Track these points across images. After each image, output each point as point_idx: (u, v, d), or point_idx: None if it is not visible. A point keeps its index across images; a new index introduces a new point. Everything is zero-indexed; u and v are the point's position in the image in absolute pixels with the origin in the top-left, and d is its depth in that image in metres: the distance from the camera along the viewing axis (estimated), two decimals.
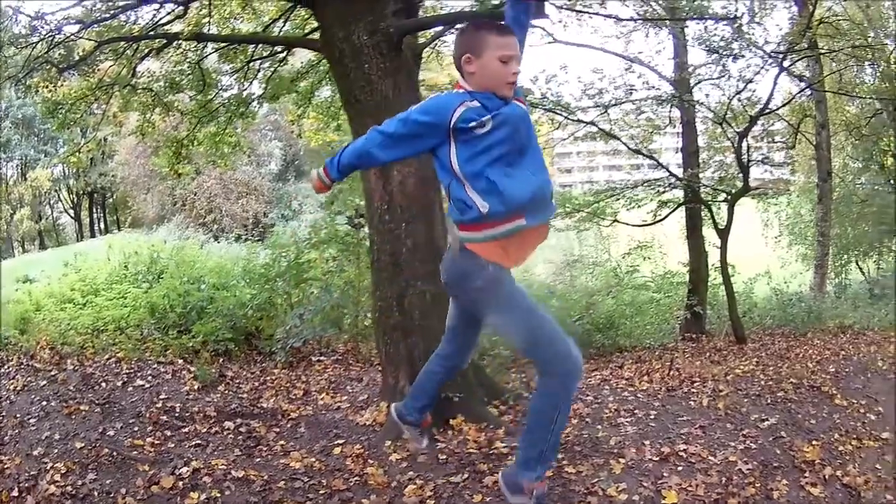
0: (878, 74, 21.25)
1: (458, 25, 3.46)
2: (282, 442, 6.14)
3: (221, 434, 6.31)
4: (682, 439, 6.19)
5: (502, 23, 3.88)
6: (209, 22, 10.18)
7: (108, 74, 9.92)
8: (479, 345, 4.45)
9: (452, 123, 3.48)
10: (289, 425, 6.63)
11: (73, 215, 50.87)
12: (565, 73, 13.23)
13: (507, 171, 3.60)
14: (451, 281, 3.82)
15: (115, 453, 5.53)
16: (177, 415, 6.71)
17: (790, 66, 12.30)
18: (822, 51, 14.78)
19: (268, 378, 8.28)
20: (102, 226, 50.79)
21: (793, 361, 9.88)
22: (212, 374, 8.07)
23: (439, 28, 8.05)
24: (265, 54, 10.37)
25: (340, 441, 6.10)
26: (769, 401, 7.61)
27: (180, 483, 5.05)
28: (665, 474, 5.35)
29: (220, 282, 10.31)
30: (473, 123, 3.48)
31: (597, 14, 10.39)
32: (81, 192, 48.47)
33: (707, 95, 13.58)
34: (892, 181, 22.63)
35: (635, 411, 6.98)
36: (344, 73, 6.36)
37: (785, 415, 7.12)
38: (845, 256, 19.51)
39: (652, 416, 6.85)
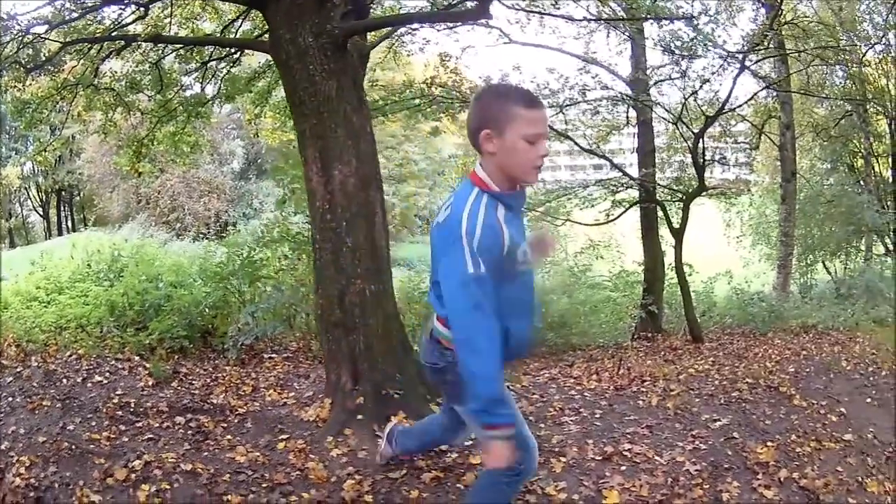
0: (847, 76, 21.54)
1: (476, 98, 3.06)
2: (229, 436, 6.16)
3: (173, 428, 6.33)
4: (627, 439, 6.17)
5: (529, 90, 3.58)
6: (170, 22, 10.31)
7: (73, 74, 9.98)
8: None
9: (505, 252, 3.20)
10: (236, 420, 6.64)
11: (41, 213, 50.74)
12: (519, 73, 13.33)
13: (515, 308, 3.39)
14: (426, 367, 3.74)
15: (73, 447, 5.56)
16: (132, 410, 6.72)
17: (751, 66, 12.36)
18: (785, 51, 14.98)
19: (219, 375, 8.28)
20: (70, 224, 50.61)
21: (750, 361, 9.87)
22: (166, 370, 8.10)
23: (388, 28, 8.15)
24: (221, 55, 10.43)
25: (284, 436, 6.10)
26: (722, 401, 7.57)
27: (133, 475, 5.09)
28: (607, 474, 5.37)
29: (178, 280, 10.35)
30: (519, 252, 3.31)
31: (549, 14, 10.51)
32: (50, 189, 48.36)
33: (663, 95, 13.62)
34: (860, 182, 22.87)
35: (581, 410, 6.97)
36: (289, 75, 6.37)
37: (739, 415, 7.07)
38: (811, 257, 19.64)
39: (597, 416, 6.82)
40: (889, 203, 24.76)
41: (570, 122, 14.51)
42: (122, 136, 13.17)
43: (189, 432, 6.26)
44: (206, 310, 9.44)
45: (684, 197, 12.90)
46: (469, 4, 8.41)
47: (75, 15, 8.39)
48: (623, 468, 5.52)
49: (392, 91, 13.67)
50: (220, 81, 11.15)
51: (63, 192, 49.21)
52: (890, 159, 25.72)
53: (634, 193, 14.74)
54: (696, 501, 5.10)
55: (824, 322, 12.46)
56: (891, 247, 24.21)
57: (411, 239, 44.86)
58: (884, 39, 21.83)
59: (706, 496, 5.19)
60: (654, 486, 5.20)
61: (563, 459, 5.56)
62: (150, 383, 7.71)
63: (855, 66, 20.34)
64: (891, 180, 25.67)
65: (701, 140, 11.89)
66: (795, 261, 19.43)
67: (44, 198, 49.64)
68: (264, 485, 5.11)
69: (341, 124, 6.16)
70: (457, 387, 3.39)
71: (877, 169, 25.68)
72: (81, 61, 9.59)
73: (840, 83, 22.04)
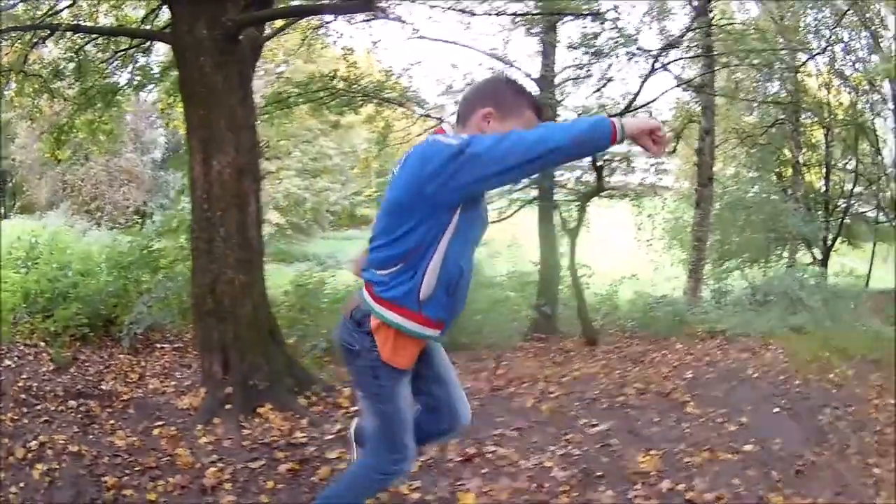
0: (782, 84, 21.76)
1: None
2: (112, 421, 6.28)
3: (66, 412, 6.46)
4: (493, 441, 6.04)
5: (538, 97, 3.63)
6: (97, 10, 10.33)
7: (9, 60, 10.01)
8: None
9: None
10: (121, 406, 6.77)
11: None
12: (422, 69, 13.48)
13: (465, 273, 3.37)
14: (339, 346, 3.56)
15: None
16: (33, 393, 6.86)
17: (666, 66, 12.42)
18: (703, 53, 14.82)
19: (113, 362, 8.40)
20: (2, 210, 50.20)
21: (645, 366, 9.72)
22: (67, 357, 8.26)
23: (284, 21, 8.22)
24: (133, 44, 10.45)
25: (160, 423, 6.20)
26: (605, 405, 7.40)
27: (29, 455, 5.21)
28: (466, 476, 5.24)
29: (85, 269, 10.34)
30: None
31: (450, 9, 10.60)
32: None
33: (568, 94, 13.61)
34: (787, 190, 23.08)
35: None
36: (183, 66, 6.43)
37: (621, 421, 6.84)
38: (728, 263, 19.66)
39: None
40: (820, 213, 25.10)
41: None
42: (46, 124, 13.12)
43: (79, 416, 6.40)
44: (108, 299, 9.43)
45: (579, 198, 12.83)
46: None
47: (12, 2, 8.45)
48: (484, 470, 5.38)
49: (297, 84, 13.69)
50: (132, 70, 11.13)
51: None
52: (823, 169, 26.10)
53: (534, 192, 14.68)
54: None
55: (734, 328, 12.22)
56: (819, 256, 24.53)
57: (322, 234, 44.88)
58: (828, 52, 22.17)
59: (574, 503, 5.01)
60: (515, 491, 5.04)
61: (421, 459, 5.40)
62: (51, 368, 7.84)
63: (789, 73, 20.51)
64: (823, 190, 26.04)
65: None
66: (711, 266, 19.44)
67: None
68: (137, 468, 5.17)
69: (224, 115, 6.19)
70: (365, 374, 3.42)
71: (808, 178, 25.99)
72: (12, 48, 9.66)
73: (775, 91, 22.22)
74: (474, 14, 11.48)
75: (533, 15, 11.34)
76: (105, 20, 10.95)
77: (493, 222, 15.16)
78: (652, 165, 16.62)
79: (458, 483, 5.13)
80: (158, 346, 8.94)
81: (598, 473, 5.47)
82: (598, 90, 12.03)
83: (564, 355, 10.61)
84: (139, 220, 21.58)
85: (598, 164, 12.05)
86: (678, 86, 14.55)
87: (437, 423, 3.91)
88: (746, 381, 8.81)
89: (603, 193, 13.59)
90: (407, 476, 4.45)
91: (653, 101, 14.64)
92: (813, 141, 25.95)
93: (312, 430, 5.93)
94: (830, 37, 21.29)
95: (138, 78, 11.16)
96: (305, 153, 39.32)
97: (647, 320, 12.79)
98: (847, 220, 26.55)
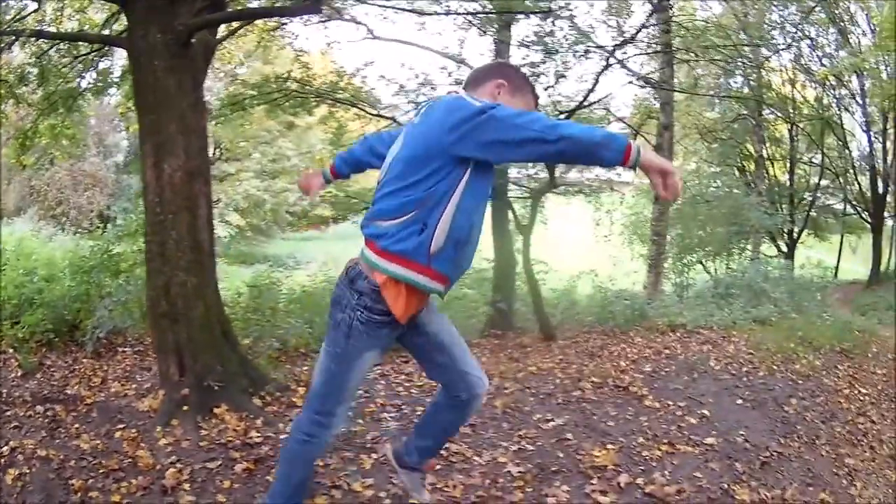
0: (744, 80, 21.93)
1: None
2: (77, 425, 6.33)
3: (34, 417, 6.53)
4: None
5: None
6: (62, 14, 10.37)
7: None
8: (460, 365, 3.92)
9: None
10: (84, 410, 6.81)
11: None
12: (377, 69, 13.53)
13: (475, 230, 3.53)
14: (332, 298, 3.67)
15: None
16: (3, 399, 6.97)
17: (621, 62, 12.45)
18: (661, 49, 14.93)
19: (77, 367, 8.39)
20: None
21: (603, 360, 9.61)
22: (34, 362, 8.28)
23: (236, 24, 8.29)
24: (93, 49, 10.48)
25: (122, 425, 6.26)
26: (561, 400, 7.43)
27: (2, 460, 5.38)
28: None
29: (50, 274, 10.35)
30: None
31: (393, 8, 10.68)
32: None
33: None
34: (750, 184, 23.25)
35: (403, 407, 6.94)
36: (137, 70, 6.41)
37: (577, 415, 6.89)
38: (689, 257, 19.68)
39: (419, 413, 6.54)
40: (785, 206, 25.34)
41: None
42: (13, 129, 13.13)
43: (46, 421, 6.47)
44: (71, 304, 9.45)
45: (532, 194, 12.86)
46: None
47: None
48: (437, 467, 5.38)
49: (251, 86, 13.75)
50: (90, 74, 11.18)
51: None
52: (787, 163, 26.34)
53: None
54: None
55: (695, 321, 12.18)
56: (784, 248, 24.75)
57: (282, 235, 44.80)
58: (793, 48, 22.34)
59: (528, 499, 5.09)
60: (468, 487, 5.13)
61: (374, 456, 5.56)
62: (19, 374, 7.94)
63: (752, 69, 20.66)
64: (788, 184, 26.29)
65: None
66: (672, 261, 19.40)
67: None
68: (101, 471, 5.26)
69: (175, 120, 6.22)
70: (338, 329, 3.52)
71: (772, 172, 26.23)
72: None
73: (738, 87, 22.38)
74: (424, 14, 11.51)
75: (483, 14, 11.38)
76: (69, 24, 10.99)
77: None
78: None
79: None
80: (120, 349, 8.95)
81: (553, 468, 5.57)
82: (549, 88, 12.01)
83: (521, 351, 10.54)
84: (101, 225, 21.46)
85: None
86: (630, 82, 14.61)
87: (453, 395, 3.95)
88: (707, 373, 8.89)
89: (557, 189, 13.62)
90: (328, 448, 4.50)
91: (606, 97, 14.75)
92: (777, 135, 26.20)
93: (267, 429, 6.01)
94: (796, 33, 21.44)
95: (99, 83, 11.20)
96: (265, 154, 39.37)
97: (605, 315, 12.72)
98: (813, 213, 26.86)
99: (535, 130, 3.12)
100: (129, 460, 5.44)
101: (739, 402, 7.84)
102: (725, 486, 5.52)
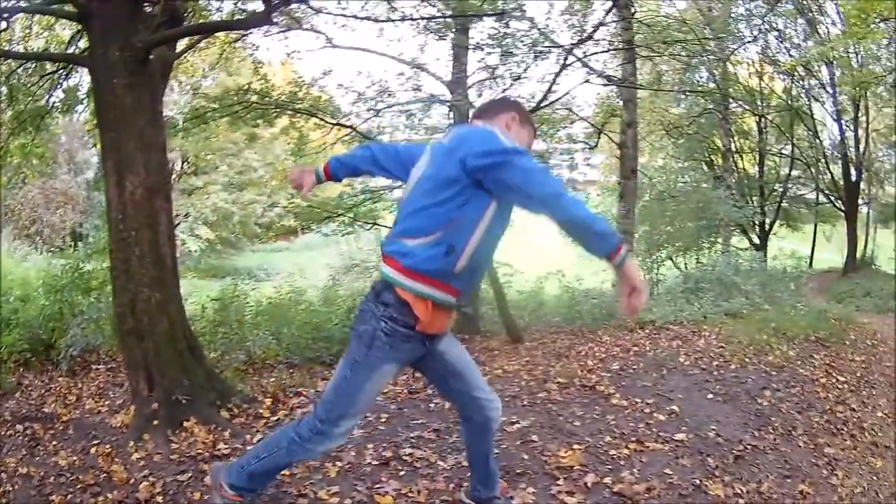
0: (710, 74, 22.02)
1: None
2: (55, 442, 6.43)
3: (14, 436, 6.63)
4: (410, 443, 6.12)
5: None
6: (30, 32, 10.44)
7: None
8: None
9: None
10: (61, 427, 6.90)
11: None
12: (331, 78, 13.58)
13: (492, 253, 3.86)
14: (357, 312, 3.86)
15: None
16: None
17: (581, 60, 12.48)
18: (617, 47, 15.02)
19: (53, 385, 8.49)
20: None
21: (570, 360, 9.60)
22: (12, 382, 8.39)
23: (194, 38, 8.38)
24: (57, 68, 10.55)
25: (97, 442, 6.35)
26: (526, 402, 7.42)
27: None
28: (383, 479, 5.29)
29: (24, 294, 10.37)
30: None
31: (355, 17, 10.77)
32: None
33: (481, 96, 13.62)
34: (720, 178, 23.34)
35: (367, 415, 6.86)
36: (98, 88, 6.47)
37: (542, 417, 6.86)
38: (658, 253, 19.74)
39: (383, 420, 6.79)
40: (755, 198, 25.45)
41: (384, 127, 14.84)
42: None
43: (25, 439, 6.58)
44: (46, 323, 9.48)
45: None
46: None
47: None
48: (401, 473, 5.46)
49: (213, 98, 13.88)
50: (57, 93, 11.26)
51: None
52: (757, 156, 26.46)
53: None
54: None
55: (665, 317, 12.13)
56: (756, 240, 24.86)
57: (252, 247, 44.93)
58: (760, 40, 22.46)
59: None
60: (433, 492, 5.11)
61: (338, 464, 5.58)
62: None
63: (717, 63, 20.72)
64: (758, 176, 26.42)
65: None
66: (640, 258, 19.32)
67: None
68: (79, 486, 5.34)
69: (134, 136, 6.26)
70: (360, 339, 3.69)
71: (740, 165, 26.34)
72: None
73: (703, 82, 22.46)
74: (378, 21, 11.59)
75: (435, 19, 11.43)
76: (37, 42, 11.06)
77: None
78: (567, 160, 16.60)
79: (377, 486, 5.19)
80: (94, 366, 9.01)
81: (518, 471, 5.52)
82: (505, 90, 12.07)
83: (488, 354, 10.55)
84: (74, 243, 21.36)
85: None
86: (586, 81, 14.59)
87: (465, 415, 4.24)
88: (677, 369, 8.86)
89: None
90: (313, 456, 4.48)
91: (565, 96, 14.79)
92: (745, 128, 26.31)
93: (235, 441, 6.11)
94: (763, 24, 21.54)
95: (66, 101, 11.28)
96: (231, 167, 39.55)
97: (573, 315, 12.71)
98: (785, 204, 26.98)
99: (552, 196, 3.36)
100: (105, 475, 5.52)
101: (710, 396, 7.77)
102: (697, 481, 5.45)
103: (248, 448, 5.31)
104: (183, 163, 39.20)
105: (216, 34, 12.23)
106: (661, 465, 5.74)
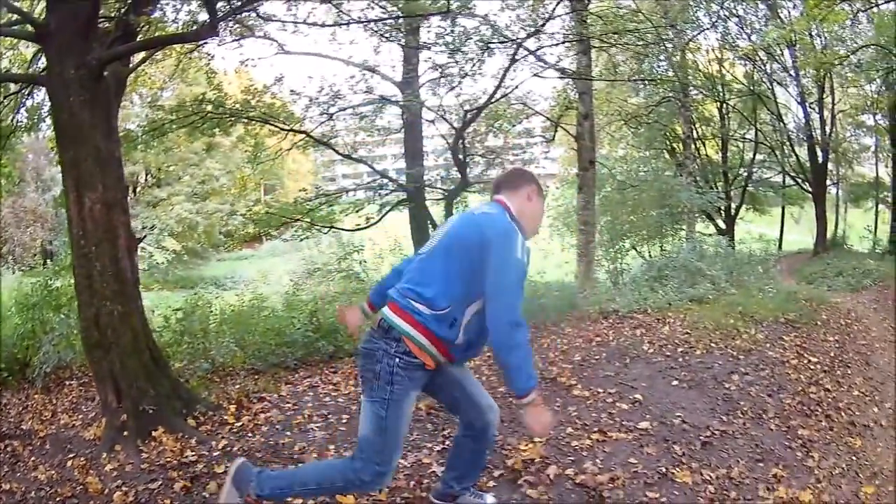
0: (668, 63, 22.09)
1: None
2: (33, 458, 6.66)
3: None
4: None
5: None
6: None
7: None
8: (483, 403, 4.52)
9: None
10: (38, 443, 7.09)
11: None
12: (284, 84, 13.63)
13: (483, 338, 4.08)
14: (361, 352, 4.13)
15: None
16: None
17: (533, 53, 12.52)
18: (567, 39, 15.02)
19: (29, 403, 8.60)
20: None
21: (532, 353, 9.45)
22: None
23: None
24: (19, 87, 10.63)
25: (72, 455, 6.54)
26: None
27: None
28: None
29: None
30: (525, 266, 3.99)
31: (304, 23, 10.91)
32: None
33: (434, 95, 13.92)
34: (682, 165, 23.42)
35: (329, 416, 7.03)
36: (55, 106, 6.58)
37: (503, 411, 6.23)
38: (621, 243, 19.95)
39: (345, 421, 6.90)
40: (720, 184, 25.56)
41: (338, 130, 15.17)
42: None
43: (6, 456, 6.83)
44: (20, 342, 9.54)
45: (446, 195, 13.09)
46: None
47: None
48: None
49: (169, 110, 13.95)
50: (21, 112, 11.29)
51: None
52: (720, 141, 26.58)
53: (402, 195, 14.99)
54: None
55: (628, 306, 12.03)
56: (723, 225, 24.98)
57: (218, 256, 45.06)
58: (718, 26, 22.54)
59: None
60: (394, 490, 5.20)
61: (300, 466, 5.61)
62: None
63: (674, 51, 20.78)
64: (721, 162, 26.53)
65: (462, 137, 12.14)
66: (603, 248, 19.47)
67: None
68: (58, 499, 5.56)
69: (91, 153, 6.37)
70: (380, 379, 3.94)
71: (703, 151, 26.42)
72: None
73: (661, 71, 22.50)
74: (325, 25, 11.67)
75: (381, 20, 11.50)
76: (2, 62, 11.11)
77: (362, 228, 15.52)
78: (518, 156, 16.68)
79: None
80: (67, 382, 9.03)
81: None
82: (453, 88, 12.18)
83: None
84: (43, 261, 21.23)
85: (461, 157, 12.12)
86: (535, 74, 14.67)
87: (466, 422, 4.51)
88: (640, 357, 8.89)
89: (474, 188, 13.75)
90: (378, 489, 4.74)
91: (514, 90, 14.89)
92: (707, 115, 26.40)
93: (201, 448, 6.23)
94: (721, 10, 21.63)
95: (30, 119, 11.34)
96: (193, 177, 39.64)
97: (534, 308, 12.32)
98: (750, 188, 27.10)
99: (514, 308, 3.84)
100: (81, 487, 5.70)
101: (675, 383, 7.81)
102: (664, 469, 5.52)
103: (273, 468, 5.41)
104: (146, 175, 39.18)
105: (171, 46, 12.28)
106: (625, 455, 5.83)
